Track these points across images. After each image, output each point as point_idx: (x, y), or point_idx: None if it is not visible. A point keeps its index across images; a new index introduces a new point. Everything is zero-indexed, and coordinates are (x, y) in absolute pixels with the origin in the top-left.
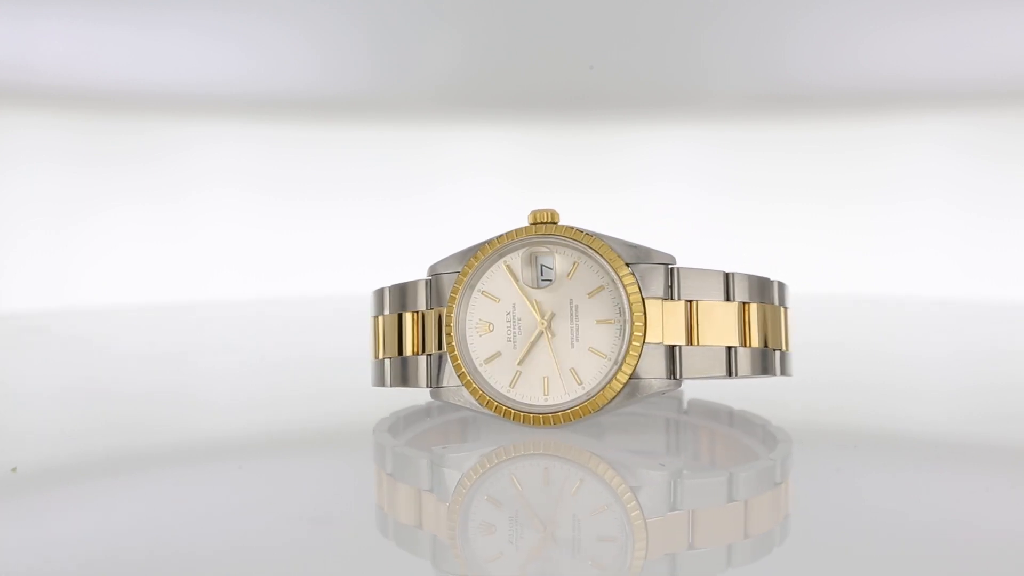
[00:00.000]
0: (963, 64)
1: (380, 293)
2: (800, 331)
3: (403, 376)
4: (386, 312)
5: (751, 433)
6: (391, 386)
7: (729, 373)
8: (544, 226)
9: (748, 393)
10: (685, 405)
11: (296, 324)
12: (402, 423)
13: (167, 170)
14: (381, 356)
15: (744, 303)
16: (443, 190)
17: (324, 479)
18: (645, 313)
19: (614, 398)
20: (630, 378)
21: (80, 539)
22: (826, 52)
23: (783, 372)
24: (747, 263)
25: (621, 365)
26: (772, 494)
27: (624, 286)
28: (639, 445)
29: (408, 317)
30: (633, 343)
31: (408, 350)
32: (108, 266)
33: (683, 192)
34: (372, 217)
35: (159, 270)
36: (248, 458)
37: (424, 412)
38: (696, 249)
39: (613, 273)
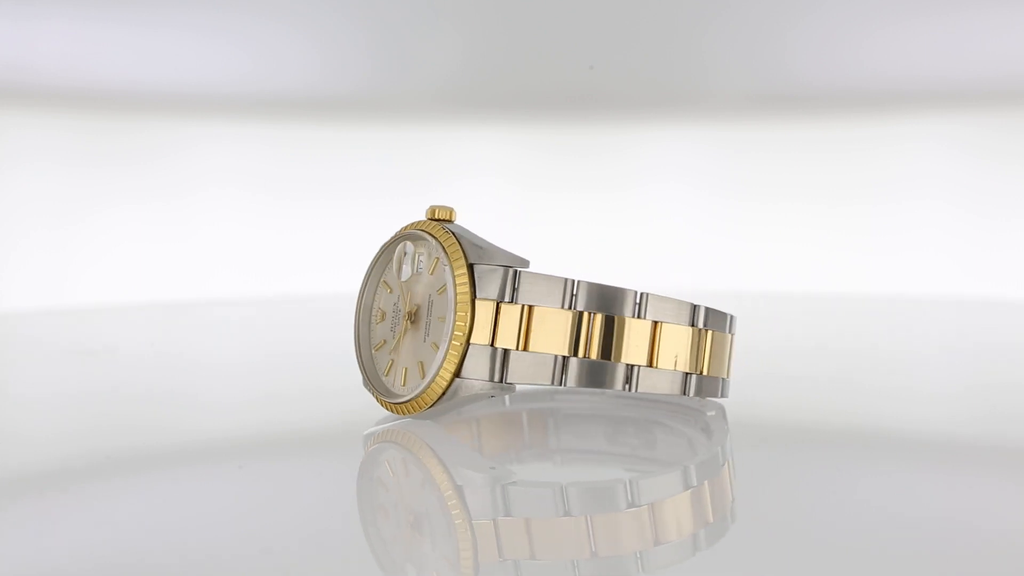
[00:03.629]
0: (963, 64)
1: None
2: (800, 331)
3: None
4: None
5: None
6: None
7: (556, 382)
8: (426, 222)
9: (746, 389)
10: (708, 416)
11: (295, 324)
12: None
13: (167, 170)
14: None
15: (588, 312)
16: (443, 190)
17: (323, 478)
18: (472, 314)
19: (442, 395)
20: (454, 376)
21: (80, 540)
22: (826, 52)
23: (637, 388)
24: (747, 263)
25: (443, 363)
26: (619, 515)
27: (455, 285)
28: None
29: None
30: (453, 342)
31: None
32: (108, 266)
33: (683, 192)
34: (372, 217)
35: (159, 270)
36: (248, 458)
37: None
38: (696, 249)
39: (451, 272)
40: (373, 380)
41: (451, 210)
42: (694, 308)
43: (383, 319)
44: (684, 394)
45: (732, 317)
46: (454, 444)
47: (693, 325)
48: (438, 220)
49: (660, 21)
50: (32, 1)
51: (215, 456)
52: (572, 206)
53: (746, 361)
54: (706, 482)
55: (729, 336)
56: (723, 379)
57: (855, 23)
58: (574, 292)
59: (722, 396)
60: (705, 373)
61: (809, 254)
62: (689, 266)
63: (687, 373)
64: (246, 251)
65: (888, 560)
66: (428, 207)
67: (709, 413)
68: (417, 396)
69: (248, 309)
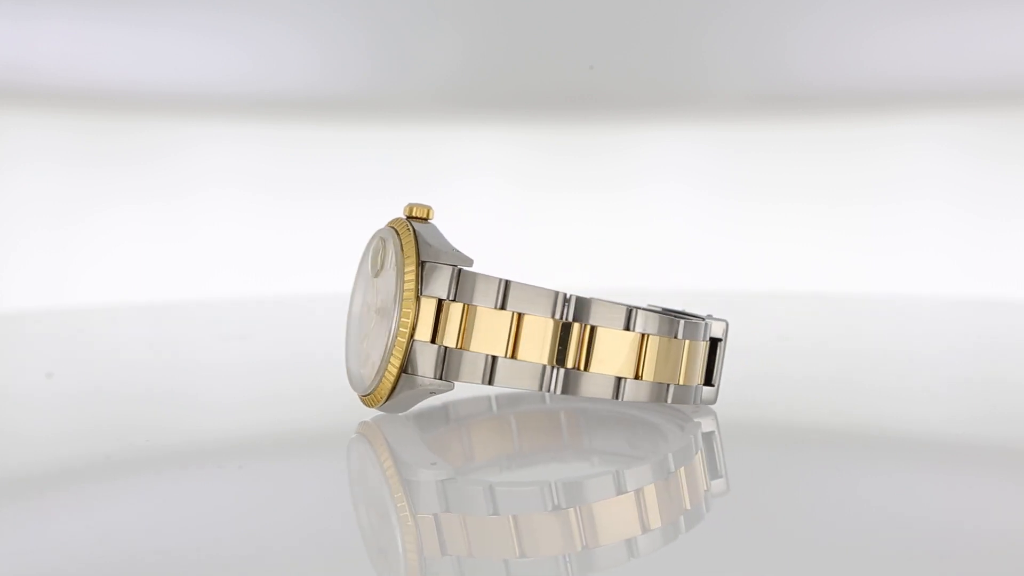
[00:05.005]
0: (963, 64)
1: None
2: (800, 331)
3: None
4: None
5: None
6: None
7: (486, 382)
8: (397, 219)
9: (746, 390)
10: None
11: (295, 324)
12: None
13: (167, 170)
14: None
15: (518, 313)
16: (443, 190)
17: (323, 478)
18: (416, 311)
19: (392, 390)
20: (401, 371)
21: (80, 540)
22: (826, 52)
23: (561, 390)
24: (747, 263)
25: (389, 359)
26: (548, 516)
27: (403, 282)
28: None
29: None
30: (398, 339)
31: None
32: (108, 266)
33: (683, 192)
34: (372, 217)
35: (159, 270)
36: (248, 458)
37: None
38: (696, 249)
39: (400, 269)
40: (351, 369)
41: (427, 208)
42: (630, 311)
43: (368, 312)
44: (616, 398)
45: (686, 323)
46: (407, 439)
47: (629, 329)
48: (412, 218)
49: (660, 21)
50: (32, 1)
51: (215, 456)
52: (572, 206)
53: (746, 361)
54: (648, 486)
55: (686, 342)
56: (672, 385)
57: (855, 23)
58: (504, 293)
59: (673, 401)
60: (645, 378)
61: (809, 254)
62: (689, 266)
63: (619, 378)
64: (246, 251)
65: (887, 560)
66: (405, 204)
67: (695, 419)
68: (373, 390)
69: (248, 309)
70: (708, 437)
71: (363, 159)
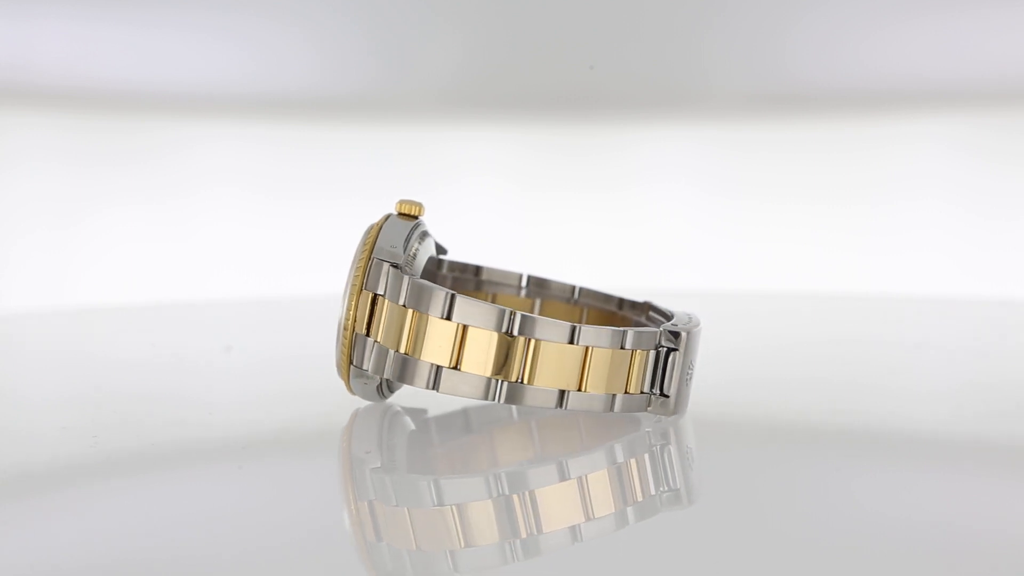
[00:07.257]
0: (963, 64)
1: None
2: (800, 331)
3: None
4: None
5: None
6: None
7: (387, 375)
8: (384, 216)
9: (745, 391)
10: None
11: (296, 324)
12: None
13: (167, 170)
14: None
15: (414, 311)
16: (443, 190)
17: (323, 479)
18: (355, 305)
19: (348, 381)
20: (349, 363)
21: (80, 540)
22: (826, 52)
23: (433, 386)
24: (747, 263)
25: (340, 351)
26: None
27: (353, 276)
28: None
29: None
30: (344, 331)
31: None
32: (108, 266)
33: (683, 192)
34: (372, 217)
35: (159, 270)
36: (247, 458)
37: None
38: (696, 248)
39: (353, 263)
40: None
41: (416, 205)
42: (509, 314)
43: None
44: (487, 399)
45: (584, 330)
46: (365, 428)
47: (509, 335)
48: (401, 214)
49: (660, 21)
50: (32, 1)
51: (215, 456)
52: (572, 206)
53: (746, 362)
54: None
55: (587, 348)
56: (571, 392)
57: (855, 23)
58: (407, 291)
59: (571, 408)
60: (537, 383)
61: (809, 254)
62: (689, 266)
63: (493, 379)
64: (246, 251)
65: (885, 561)
66: (397, 201)
67: (648, 429)
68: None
69: (248, 309)
70: (664, 446)
71: (363, 159)
